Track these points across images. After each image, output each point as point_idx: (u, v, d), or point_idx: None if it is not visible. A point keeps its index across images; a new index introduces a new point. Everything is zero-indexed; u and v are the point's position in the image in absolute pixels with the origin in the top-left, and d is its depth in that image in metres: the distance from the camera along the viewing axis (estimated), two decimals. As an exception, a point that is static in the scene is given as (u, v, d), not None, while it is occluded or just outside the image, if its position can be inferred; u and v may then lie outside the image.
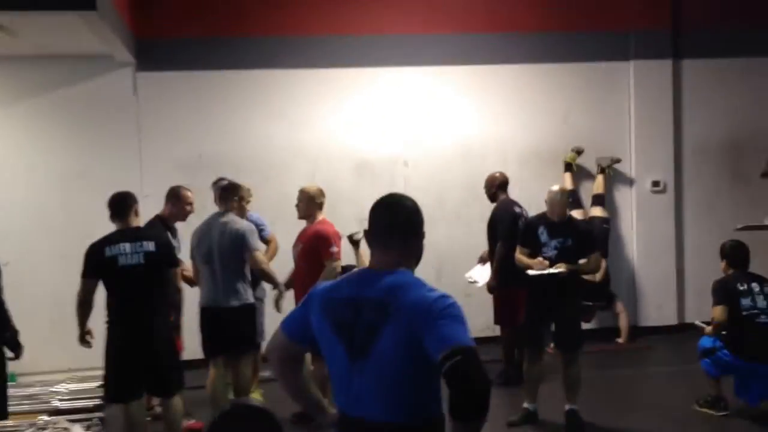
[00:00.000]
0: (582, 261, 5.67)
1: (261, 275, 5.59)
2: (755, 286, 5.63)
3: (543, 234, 5.65)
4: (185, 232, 6.01)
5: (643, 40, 8.16)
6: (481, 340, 6.61)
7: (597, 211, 7.97)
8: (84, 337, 4.86)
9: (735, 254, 5.81)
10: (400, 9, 7.93)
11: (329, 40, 7.77)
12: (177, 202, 5.90)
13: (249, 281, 5.51)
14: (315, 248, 5.56)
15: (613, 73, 8.24)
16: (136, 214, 4.91)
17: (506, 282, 6.37)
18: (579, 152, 8.06)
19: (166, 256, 4.91)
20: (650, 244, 8.18)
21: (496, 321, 6.80)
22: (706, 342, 5.79)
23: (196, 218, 6.10)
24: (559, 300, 5.59)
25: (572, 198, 7.36)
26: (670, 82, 8.25)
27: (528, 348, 5.87)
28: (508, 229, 6.38)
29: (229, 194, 5.66)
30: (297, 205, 5.80)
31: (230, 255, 5.41)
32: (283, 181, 7.74)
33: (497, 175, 6.81)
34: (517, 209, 6.56)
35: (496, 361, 6.69)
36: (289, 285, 5.90)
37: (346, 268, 5.73)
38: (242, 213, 5.85)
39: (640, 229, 8.23)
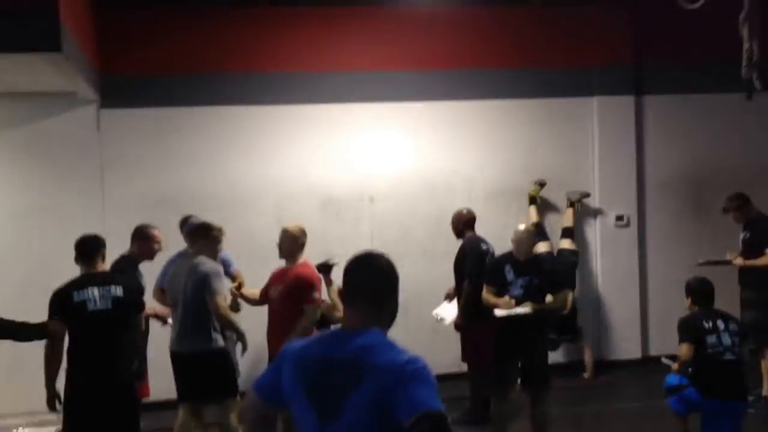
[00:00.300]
0: (549, 299, 5.73)
1: (219, 321, 5.35)
2: (720, 324, 5.55)
3: (509, 272, 5.72)
4: (149, 270, 5.95)
5: (606, 76, 8.29)
6: (449, 377, 6.58)
7: (566, 244, 8.03)
8: (53, 401, 4.67)
9: (700, 291, 5.76)
10: (366, 46, 7.99)
11: (295, 76, 7.79)
12: (145, 241, 5.83)
13: (214, 326, 5.35)
14: (297, 292, 5.41)
15: (577, 109, 8.35)
16: (103, 258, 4.84)
17: (473, 320, 6.35)
18: (542, 185, 8.13)
19: (134, 301, 4.85)
20: (614, 278, 8.23)
21: (463, 358, 6.77)
22: (672, 380, 5.76)
23: (161, 256, 6.05)
24: (526, 338, 5.63)
25: (538, 231, 7.43)
26: (632, 117, 8.38)
27: (495, 386, 5.86)
28: (475, 267, 6.38)
29: (197, 235, 5.57)
30: (279, 245, 5.66)
31: (193, 298, 5.29)
32: (247, 218, 7.70)
33: (464, 212, 6.82)
34: (484, 246, 6.57)
35: (463, 398, 6.66)
36: (260, 302, 5.81)
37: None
38: (214, 253, 5.66)
39: (604, 262, 8.30)
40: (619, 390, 7.68)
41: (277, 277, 5.65)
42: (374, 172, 7.95)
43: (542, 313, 5.70)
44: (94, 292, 4.60)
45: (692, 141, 8.50)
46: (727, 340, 5.52)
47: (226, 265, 6.19)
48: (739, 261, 6.87)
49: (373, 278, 2.48)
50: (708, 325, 5.55)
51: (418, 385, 2.24)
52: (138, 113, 7.53)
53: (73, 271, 4.82)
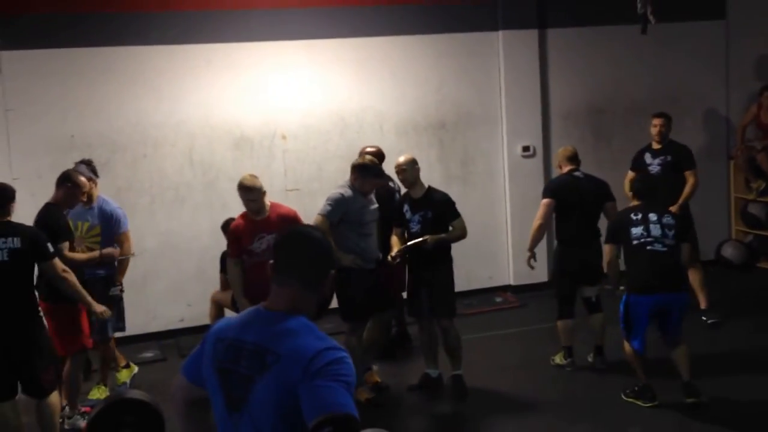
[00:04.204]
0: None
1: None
2: (652, 216, 5.36)
3: (407, 211, 5.84)
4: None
5: (510, 10, 8.43)
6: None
7: None
8: None
9: (640, 187, 5.68)
10: (273, -18, 7.90)
11: (201, 15, 7.64)
12: (75, 187, 5.55)
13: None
14: None
15: (483, 43, 8.47)
16: (10, 209, 4.78)
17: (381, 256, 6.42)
18: None
19: (36, 251, 4.73)
20: (522, 206, 8.51)
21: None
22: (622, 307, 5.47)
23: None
24: (429, 270, 5.76)
25: None
26: (536, 50, 8.59)
27: (414, 317, 6.08)
28: (386, 205, 6.46)
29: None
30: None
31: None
32: (159, 160, 7.64)
33: (375, 150, 6.86)
34: (392, 184, 6.57)
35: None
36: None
37: None
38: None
39: (512, 192, 8.60)
40: (527, 312, 8.07)
41: (261, 228, 5.54)
42: (285, 110, 7.94)
43: (443, 243, 5.76)
44: None
45: (593, 72, 8.80)
46: (657, 230, 5.29)
47: (114, 221, 5.99)
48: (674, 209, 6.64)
49: (305, 254, 2.22)
50: (636, 216, 5.36)
51: (328, 381, 1.99)
52: (41, 54, 7.25)
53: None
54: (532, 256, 6.27)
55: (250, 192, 5.53)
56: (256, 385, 2.07)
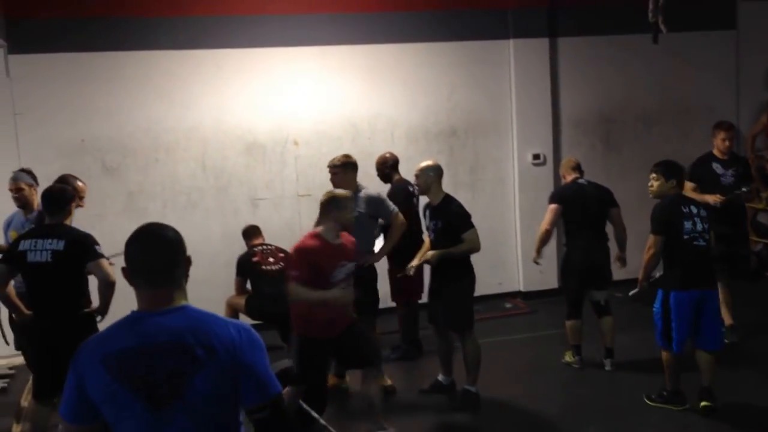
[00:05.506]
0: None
1: None
2: (694, 209, 5.26)
3: (426, 218, 5.80)
4: None
5: (521, 19, 8.46)
6: (382, 311, 6.73)
7: None
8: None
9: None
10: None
11: (213, 20, 7.64)
12: (74, 192, 5.38)
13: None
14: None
15: (494, 51, 8.49)
16: (70, 210, 4.84)
17: (401, 260, 6.45)
18: None
19: (81, 252, 4.69)
20: (532, 213, 8.47)
21: (393, 297, 6.86)
22: (657, 317, 5.35)
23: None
24: (442, 282, 5.67)
25: None
26: (547, 59, 8.60)
27: (431, 325, 6.02)
28: (403, 208, 6.49)
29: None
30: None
31: None
32: (171, 165, 7.61)
33: (387, 155, 6.90)
34: (411, 188, 6.64)
35: (394, 332, 6.95)
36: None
37: None
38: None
39: (521, 199, 8.61)
40: (537, 318, 8.07)
41: (340, 253, 4.91)
42: (297, 115, 7.94)
43: (449, 257, 5.51)
44: (37, 243, 4.65)
45: (603, 81, 8.82)
46: (699, 225, 5.23)
47: None
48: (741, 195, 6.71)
49: (167, 253, 2.31)
50: (686, 210, 5.24)
51: (257, 359, 2.26)
52: (50, 58, 7.25)
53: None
54: (539, 255, 6.44)
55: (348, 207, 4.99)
56: (194, 378, 2.19)
